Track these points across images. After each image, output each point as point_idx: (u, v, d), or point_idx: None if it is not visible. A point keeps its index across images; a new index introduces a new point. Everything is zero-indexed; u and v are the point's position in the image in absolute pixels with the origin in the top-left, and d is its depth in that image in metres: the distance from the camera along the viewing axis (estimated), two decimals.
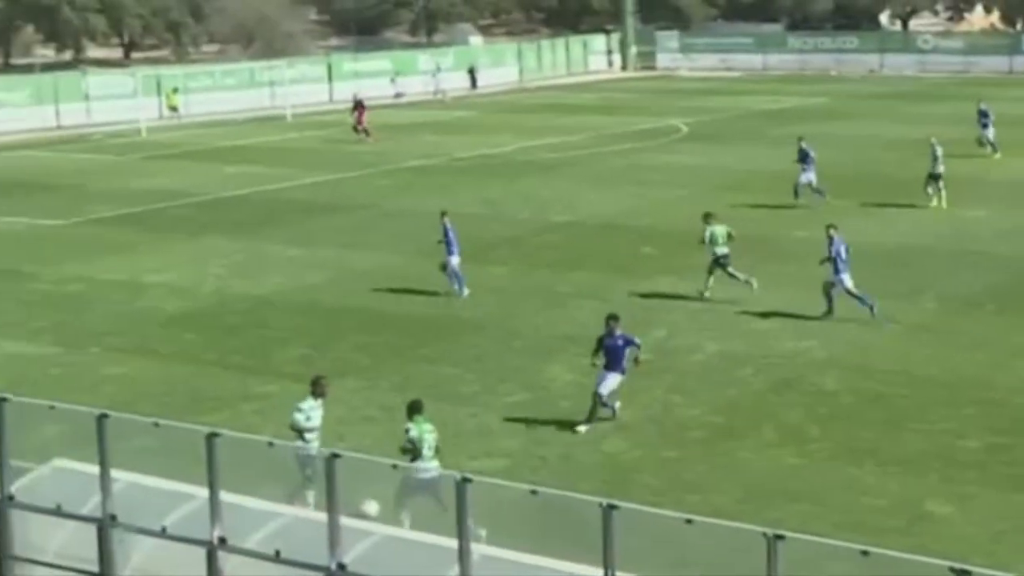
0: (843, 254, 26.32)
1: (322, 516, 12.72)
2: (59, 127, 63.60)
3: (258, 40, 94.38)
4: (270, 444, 14.57)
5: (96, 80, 68.65)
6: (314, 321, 27.36)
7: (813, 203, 37.71)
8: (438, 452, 16.73)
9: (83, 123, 63.85)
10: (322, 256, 33.41)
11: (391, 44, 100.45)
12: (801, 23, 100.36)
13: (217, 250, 34.43)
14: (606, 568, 11.43)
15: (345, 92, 73.02)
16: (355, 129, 57.56)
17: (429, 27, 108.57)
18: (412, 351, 24.86)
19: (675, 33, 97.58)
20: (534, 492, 12.04)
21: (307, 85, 71.40)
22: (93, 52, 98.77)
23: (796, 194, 38.38)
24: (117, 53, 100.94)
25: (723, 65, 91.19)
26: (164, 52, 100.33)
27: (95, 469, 13.83)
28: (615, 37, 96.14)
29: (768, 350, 24.61)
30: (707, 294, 28.19)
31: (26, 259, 33.86)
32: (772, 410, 21.47)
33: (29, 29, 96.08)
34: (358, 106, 58.48)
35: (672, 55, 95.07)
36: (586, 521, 11.53)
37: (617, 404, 20.95)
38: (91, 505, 13.87)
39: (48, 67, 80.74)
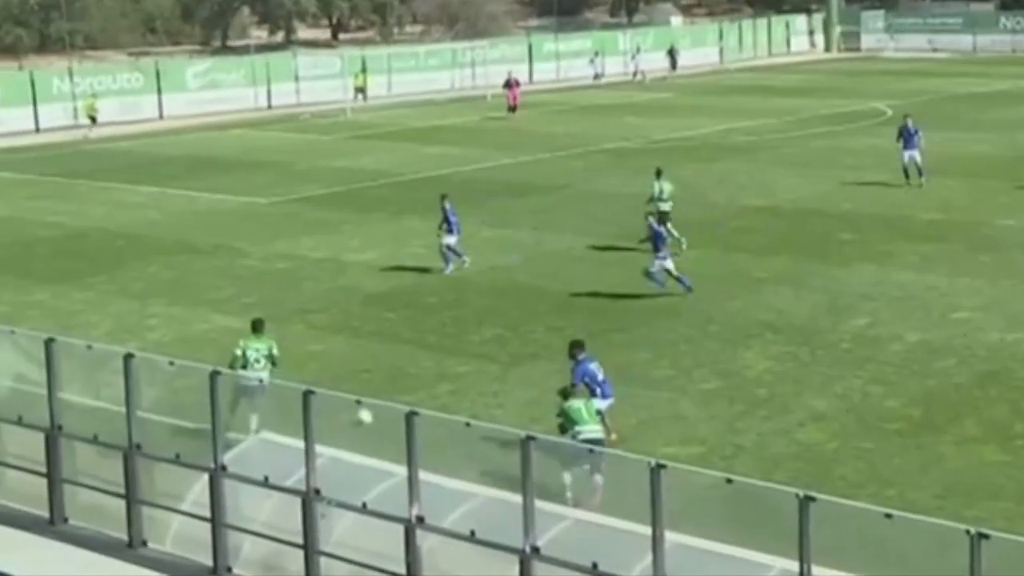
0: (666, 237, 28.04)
1: (516, 498, 12.87)
2: (270, 107, 65.34)
3: (461, 21, 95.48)
4: (467, 424, 14.82)
5: (305, 61, 70.08)
6: (508, 302, 27.62)
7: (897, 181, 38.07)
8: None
9: (292, 103, 65.30)
10: (517, 237, 33.68)
11: (591, 24, 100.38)
12: (1013, 2, 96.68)
13: (415, 230, 34.96)
14: (801, 561, 11.29)
15: (547, 73, 73.40)
16: (511, 108, 58.06)
17: (629, 7, 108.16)
18: (606, 335, 24.83)
19: (881, 12, 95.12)
20: (729, 480, 12.00)
21: (508, 65, 71.81)
22: (303, 33, 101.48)
23: (907, 175, 38.21)
24: (325, 34, 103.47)
25: (930, 46, 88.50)
26: (370, 33, 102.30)
27: (299, 443, 14.23)
28: (818, 17, 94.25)
29: (972, 341, 23.98)
30: (684, 245, 30.36)
31: (238, 236, 34.93)
32: (975, 404, 20.92)
33: (245, 11, 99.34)
34: (509, 84, 58.95)
35: (877, 36, 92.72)
36: (782, 512, 11.41)
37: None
38: (295, 478, 14.29)
39: (261, 48, 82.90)
